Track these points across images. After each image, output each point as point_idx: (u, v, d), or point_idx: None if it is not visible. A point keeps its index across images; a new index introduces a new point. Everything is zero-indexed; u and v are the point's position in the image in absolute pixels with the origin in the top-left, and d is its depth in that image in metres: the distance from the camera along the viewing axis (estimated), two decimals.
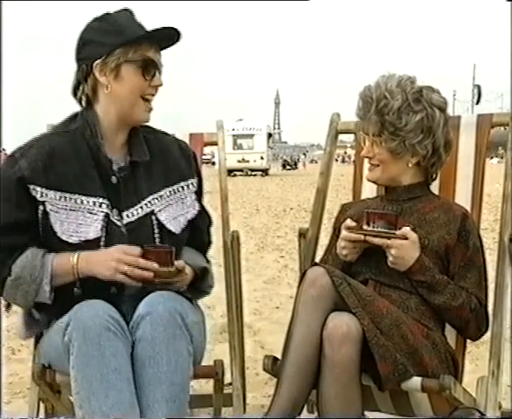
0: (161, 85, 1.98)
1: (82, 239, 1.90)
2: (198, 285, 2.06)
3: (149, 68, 1.94)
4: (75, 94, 1.99)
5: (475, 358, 3.33)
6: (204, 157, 2.67)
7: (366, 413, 1.97)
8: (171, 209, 2.03)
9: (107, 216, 1.92)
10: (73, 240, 1.90)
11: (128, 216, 1.96)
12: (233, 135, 31.34)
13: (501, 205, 2.22)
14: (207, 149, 2.76)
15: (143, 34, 1.93)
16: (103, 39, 1.91)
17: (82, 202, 1.91)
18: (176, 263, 1.87)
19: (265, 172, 32.62)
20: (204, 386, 2.84)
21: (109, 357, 1.73)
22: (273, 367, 2.00)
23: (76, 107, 2.01)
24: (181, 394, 1.78)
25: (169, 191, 2.04)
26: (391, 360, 1.82)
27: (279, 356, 1.96)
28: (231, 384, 2.22)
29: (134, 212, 1.97)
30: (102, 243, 1.91)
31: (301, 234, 2.42)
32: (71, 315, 1.81)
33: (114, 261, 1.82)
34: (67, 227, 1.90)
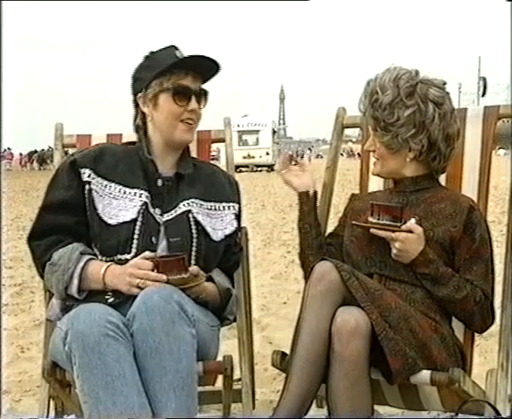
0: (195, 109, 2.08)
1: (120, 221, 2.00)
2: (221, 309, 2.10)
3: (181, 94, 2.06)
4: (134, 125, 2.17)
5: (484, 351, 3.33)
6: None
7: (375, 407, 1.97)
8: (209, 219, 2.11)
9: (145, 204, 2.03)
10: (112, 222, 2.00)
11: (167, 215, 2.05)
12: (238, 131, 31.14)
13: (508, 197, 2.21)
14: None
15: (171, 63, 2.04)
16: (142, 75, 2.11)
17: (125, 192, 2.05)
18: (189, 268, 1.92)
19: (270, 168, 32.52)
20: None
21: (112, 363, 1.71)
22: (282, 362, 2.00)
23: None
24: (188, 379, 1.77)
25: (211, 205, 2.14)
26: (400, 353, 1.82)
27: (287, 351, 1.96)
28: (240, 380, 2.23)
29: (173, 211, 2.06)
30: (138, 227, 2.00)
31: None
32: (68, 324, 1.79)
33: (127, 276, 1.89)
34: (108, 211, 2.01)
